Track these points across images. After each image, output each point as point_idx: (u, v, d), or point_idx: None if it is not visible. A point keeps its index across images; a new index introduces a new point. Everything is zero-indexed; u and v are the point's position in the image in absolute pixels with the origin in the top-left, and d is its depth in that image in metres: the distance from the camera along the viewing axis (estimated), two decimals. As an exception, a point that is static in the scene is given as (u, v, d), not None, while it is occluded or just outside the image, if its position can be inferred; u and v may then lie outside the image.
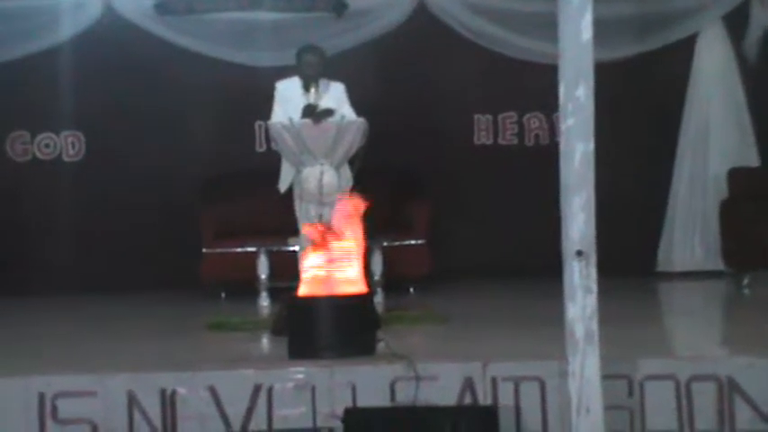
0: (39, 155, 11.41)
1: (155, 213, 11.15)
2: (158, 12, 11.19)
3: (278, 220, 8.95)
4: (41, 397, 6.09)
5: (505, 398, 6.15)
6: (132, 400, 6.12)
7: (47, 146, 11.41)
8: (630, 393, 6.11)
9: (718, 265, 10.99)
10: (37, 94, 11.13)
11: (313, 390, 6.17)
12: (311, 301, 6.79)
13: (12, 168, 11.33)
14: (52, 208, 11.18)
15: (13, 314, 10.03)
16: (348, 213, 6.99)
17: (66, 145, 11.42)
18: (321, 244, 6.82)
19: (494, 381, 6.18)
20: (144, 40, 11.19)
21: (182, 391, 6.15)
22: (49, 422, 6.08)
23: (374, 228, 7.27)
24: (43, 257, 11.09)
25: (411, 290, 10.42)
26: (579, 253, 5.07)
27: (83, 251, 11.06)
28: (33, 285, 10.93)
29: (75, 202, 11.17)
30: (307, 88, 8.39)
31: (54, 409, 6.08)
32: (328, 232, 6.87)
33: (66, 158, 11.42)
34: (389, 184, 10.42)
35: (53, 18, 10.98)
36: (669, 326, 8.67)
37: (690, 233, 11.28)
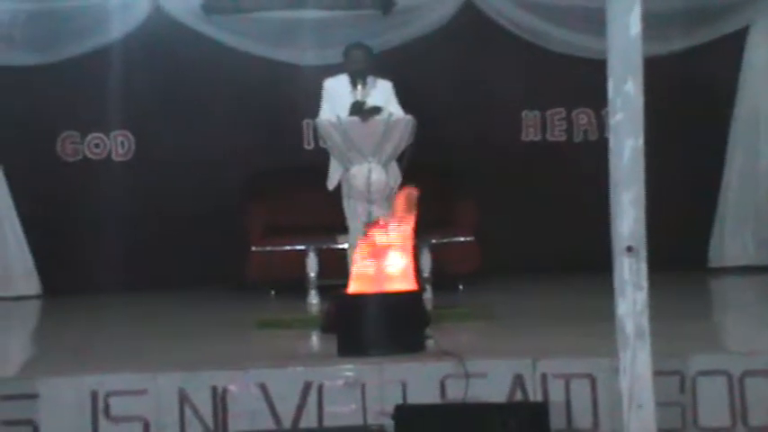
0: (89, 155, 11.48)
1: (203, 212, 11.19)
2: (205, 11, 11.24)
3: (326, 218, 8.97)
4: (94, 395, 6.13)
5: (556, 394, 6.12)
6: (183, 398, 6.15)
7: (96, 146, 11.49)
8: (682, 389, 6.07)
9: (772, 259, 10.91)
10: (86, 95, 11.20)
11: (363, 387, 6.17)
12: (360, 298, 6.79)
13: (62, 168, 11.40)
14: (102, 207, 11.24)
15: (63, 313, 10.13)
16: (400, 209, 7.00)
17: (116, 145, 11.49)
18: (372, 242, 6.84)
19: (544, 377, 6.16)
20: (191, 40, 11.24)
21: (232, 388, 6.18)
22: (101, 420, 6.12)
23: (422, 225, 7.27)
24: (93, 256, 11.15)
25: (460, 287, 10.39)
26: (629, 249, 5.04)
27: (132, 249, 11.10)
28: (84, 284, 11.00)
29: (124, 200, 11.22)
30: (354, 85, 8.39)
31: (107, 406, 6.12)
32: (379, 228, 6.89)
33: (115, 158, 11.49)
34: (437, 181, 10.38)
35: (102, 18, 11.04)
36: (721, 321, 8.60)
37: (741, 227, 11.18)
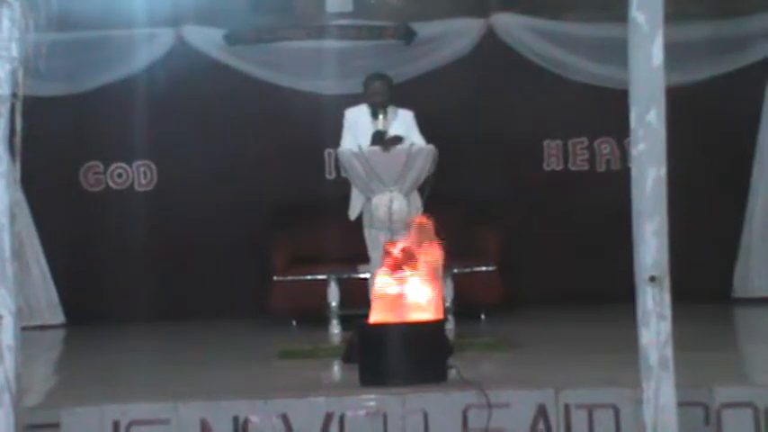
0: (111, 185, 11.53)
1: (225, 242, 11.23)
2: (228, 42, 11.31)
3: (348, 248, 8.97)
4: (116, 425, 6.11)
5: (579, 425, 6.08)
6: (205, 428, 6.13)
7: (119, 176, 11.54)
8: (707, 421, 6.02)
9: (798, 290, 10.83)
10: (110, 125, 11.27)
11: (385, 417, 6.15)
12: (382, 328, 6.77)
13: (85, 198, 11.46)
14: (125, 237, 11.28)
15: (87, 342, 10.14)
16: (422, 239, 6.98)
17: (139, 175, 11.54)
18: (396, 266, 6.80)
19: (567, 408, 6.13)
20: (214, 70, 11.31)
21: (254, 419, 6.15)
22: (123, 449, 6.12)
23: (445, 254, 7.26)
24: (116, 286, 11.17)
25: (482, 316, 10.38)
26: (652, 279, 5.02)
27: (155, 279, 11.12)
28: (107, 313, 11.03)
29: (147, 230, 11.25)
30: (375, 115, 8.40)
31: (128, 437, 6.12)
32: (404, 256, 6.86)
33: (138, 188, 11.54)
34: (460, 210, 10.39)
35: (126, 49, 11.12)
36: (746, 352, 8.54)
37: (766, 258, 11.09)
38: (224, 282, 11.13)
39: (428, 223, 7.11)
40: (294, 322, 10.52)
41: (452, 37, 11.41)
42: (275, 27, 11.45)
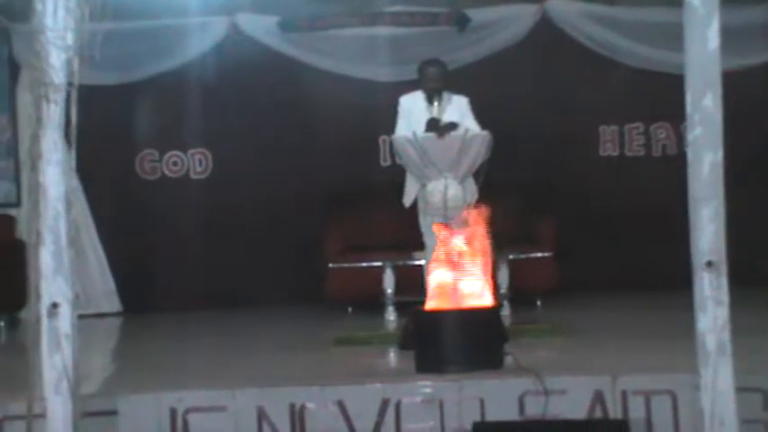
0: (167, 173, 11.59)
1: (280, 229, 11.26)
2: (282, 29, 11.32)
3: (403, 235, 8.97)
4: (173, 412, 6.17)
5: (636, 411, 6.06)
6: (262, 415, 6.17)
7: (174, 164, 11.60)
8: (766, 407, 5.97)
9: None
10: (165, 113, 11.34)
11: (441, 404, 6.16)
12: (438, 314, 6.77)
13: (141, 186, 11.53)
14: (180, 225, 11.35)
15: (143, 330, 10.22)
16: (471, 226, 6.97)
17: (194, 162, 11.59)
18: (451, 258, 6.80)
19: (624, 394, 6.10)
20: (268, 58, 11.34)
21: (310, 405, 6.19)
22: (180, 436, 6.17)
23: (500, 241, 7.24)
24: (172, 273, 11.26)
25: (538, 303, 10.34)
26: (709, 264, 4.98)
27: (210, 267, 11.19)
28: (163, 301, 11.10)
29: (202, 218, 11.31)
30: (430, 102, 8.38)
31: (185, 423, 6.16)
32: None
33: (193, 176, 11.59)
34: (515, 196, 10.36)
35: (180, 38, 11.17)
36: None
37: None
38: (279, 269, 11.17)
39: (482, 212, 7.10)
40: (350, 309, 10.54)
41: (506, 23, 11.36)
42: (329, 14, 11.45)
